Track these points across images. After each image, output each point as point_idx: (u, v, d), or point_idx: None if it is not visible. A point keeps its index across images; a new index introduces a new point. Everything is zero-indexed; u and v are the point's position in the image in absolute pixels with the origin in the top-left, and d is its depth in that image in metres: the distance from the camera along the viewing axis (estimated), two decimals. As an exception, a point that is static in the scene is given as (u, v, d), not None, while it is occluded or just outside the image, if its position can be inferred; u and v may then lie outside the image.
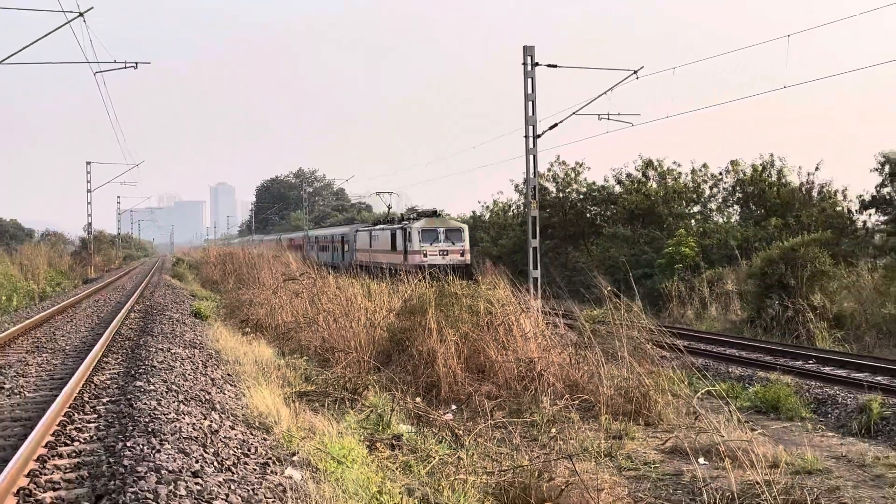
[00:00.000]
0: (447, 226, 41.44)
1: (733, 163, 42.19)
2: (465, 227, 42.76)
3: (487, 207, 58.74)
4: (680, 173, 45.17)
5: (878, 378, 16.84)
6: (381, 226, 48.35)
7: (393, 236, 43.79)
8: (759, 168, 40.66)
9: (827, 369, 18.38)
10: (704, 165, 44.59)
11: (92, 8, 24.23)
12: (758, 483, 8.50)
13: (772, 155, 40.77)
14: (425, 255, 39.37)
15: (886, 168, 33.92)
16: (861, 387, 15.89)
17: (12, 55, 24.91)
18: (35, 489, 7.16)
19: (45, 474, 7.64)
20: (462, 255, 40.45)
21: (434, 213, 43.24)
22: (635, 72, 25.67)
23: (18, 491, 7.05)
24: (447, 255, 39.77)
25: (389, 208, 54.06)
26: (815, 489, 9.18)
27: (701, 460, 11.32)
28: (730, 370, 18.77)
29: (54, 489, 7.22)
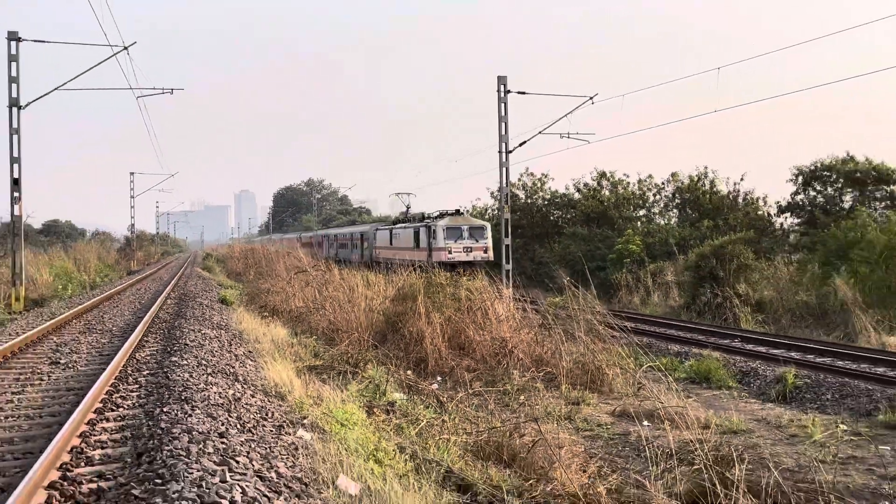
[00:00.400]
0: (470, 223, 36.61)
1: (673, 174, 42.38)
2: (488, 224, 37.53)
3: (467, 211, 58.73)
4: (629, 183, 45.38)
5: (792, 354, 16.94)
6: (403, 224, 43.24)
7: (416, 234, 38.86)
8: (695, 178, 40.85)
9: (750, 346, 18.46)
10: (650, 176, 44.80)
11: (135, 42, 24.15)
12: (692, 441, 8.54)
13: (706, 167, 41.07)
14: (450, 252, 34.77)
15: (799, 179, 34.24)
16: (778, 361, 15.97)
17: (68, 82, 24.76)
18: (86, 447, 7.14)
19: (95, 435, 7.61)
20: (485, 251, 35.73)
21: (457, 212, 38.40)
22: (591, 98, 25.77)
23: (71, 449, 7.03)
24: (471, 251, 35.15)
25: (408, 208, 47.89)
26: (740, 446, 9.23)
27: (645, 423, 11.38)
28: (669, 347, 18.84)
29: (102, 447, 7.20)
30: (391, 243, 43.45)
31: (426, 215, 40.52)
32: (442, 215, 37.83)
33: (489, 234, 36.51)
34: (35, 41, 24.38)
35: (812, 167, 33.84)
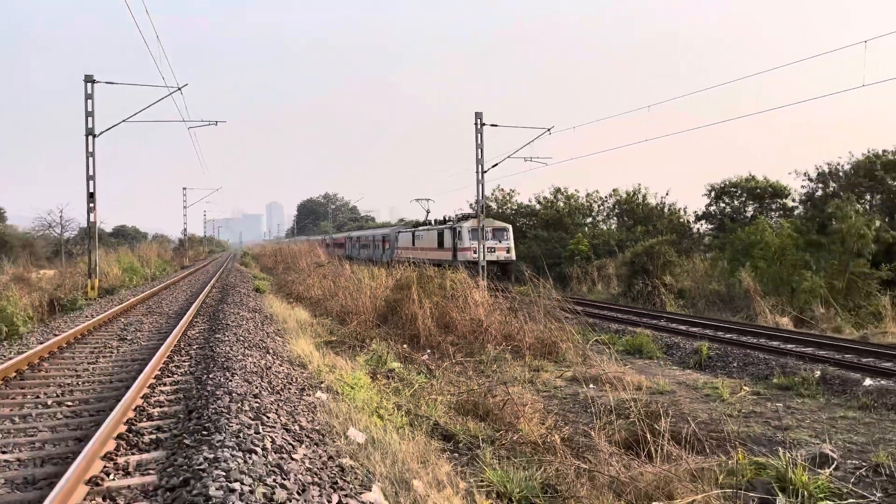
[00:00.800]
0: (494, 225, 31.18)
1: (614, 190, 42.55)
2: (510, 226, 32.14)
3: (456, 216, 58.29)
4: (579, 196, 45.41)
5: (706, 331, 17.02)
6: (426, 226, 37.53)
7: (440, 235, 33.73)
8: (631, 193, 41.02)
9: (673, 325, 18.55)
10: (596, 191, 44.91)
11: (187, 84, 24.01)
12: (628, 400, 8.58)
13: (639, 184, 41.39)
14: (475, 252, 29.44)
15: (712, 193, 34.44)
16: (695, 336, 16.07)
17: (133, 115, 24.53)
18: (147, 406, 7.10)
19: (154, 396, 7.57)
20: (508, 251, 30.55)
21: None
22: (549, 129, 25.84)
23: (136, 408, 6.99)
24: (494, 251, 30.03)
25: (428, 212, 41.31)
26: (665, 403, 9.28)
27: (591, 385, 11.42)
28: (610, 326, 18.89)
29: (160, 406, 7.16)
30: (413, 244, 38.03)
31: (448, 218, 35.78)
32: (465, 217, 33.03)
33: (511, 235, 31.50)
34: (107, 83, 24.11)
35: (722, 184, 34.08)
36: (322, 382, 9.20)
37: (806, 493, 6.14)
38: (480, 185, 26.87)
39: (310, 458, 5.55)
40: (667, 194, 39.83)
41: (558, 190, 46.34)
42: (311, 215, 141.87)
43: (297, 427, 6.46)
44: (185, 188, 63.05)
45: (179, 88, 23.71)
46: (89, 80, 23.43)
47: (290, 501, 4.45)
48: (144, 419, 6.63)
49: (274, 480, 4.73)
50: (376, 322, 16.07)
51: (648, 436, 7.13)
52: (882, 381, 11.06)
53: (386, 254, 43.84)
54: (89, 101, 23.40)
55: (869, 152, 28.22)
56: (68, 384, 8.41)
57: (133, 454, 5.60)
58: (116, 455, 5.53)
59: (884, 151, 27.79)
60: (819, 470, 6.73)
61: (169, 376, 8.71)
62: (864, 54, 14.04)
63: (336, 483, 5.09)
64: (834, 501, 6.13)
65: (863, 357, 13.24)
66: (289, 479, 4.82)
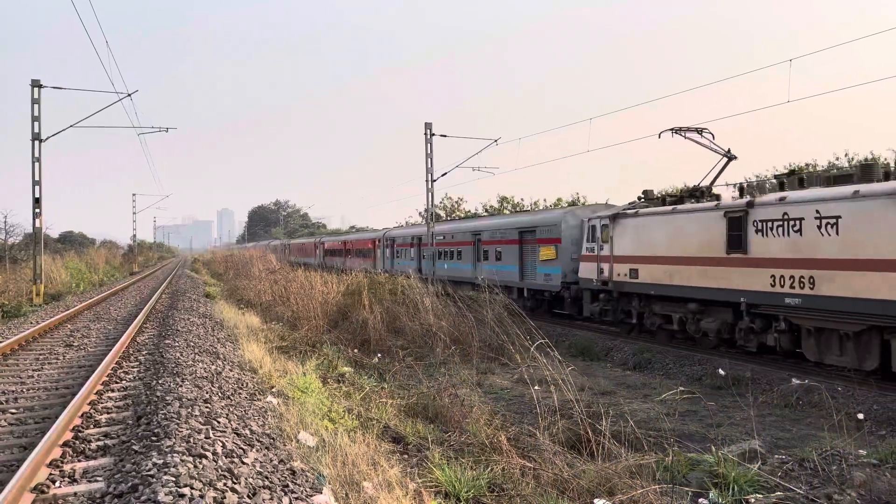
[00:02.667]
0: None
1: (559, 199, 43.23)
2: None
3: (402, 226, 58.22)
4: (524, 205, 46.00)
5: (644, 334, 17.36)
6: (683, 206, 14.71)
7: (741, 225, 12.55)
8: (571, 202, 41.73)
9: (615, 328, 18.84)
10: (544, 199, 45.59)
11: (137, 90, 23.45)
12: (571, 400, 8.69)
13: (577, 193, 42.23)
14: None
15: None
16: (635, 339, 16.36)
17: (80, 121, 23.78)
18: (94, 413, 6.88)
19: (102, 403, 7.34)
20: None
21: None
22: (495, 140, 26.08)
23: (82, 415, 6.76)
24: None
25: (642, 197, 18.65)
26: (606, 403, 9.44)
27: (536, 387, 11.52)
28: (555, 329, 19.08)
29: (108, 413, 6.95)
30: (607, 249, 17.18)
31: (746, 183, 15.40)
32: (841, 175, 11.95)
33: None
34: (54, 87, 23.35)
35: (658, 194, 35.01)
36: (273, 387, 9.06)
37: (737, 486, 6.33)
38: (430, 194, 26.96)
39: (261, 462, 5.46)
40: (606, 202, 40.57)
41: (504, 199, 46.87)
42: (262, 222, 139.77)
43: (247, 431, 6.34)
44: (134, 194, 61.64)
45: (129, 94, 23.15)
46: (35, 84, 22.63)
47: (241, 505, 4.37)
48: (92, 426, 6.42)
49: (224, 485, 4.64)
50: (327, 327, 15.92)
51: (591, 435, 7.25)
52: (806, 381, 11.48)
53: (527, 269, 21.54)
54: (35, 106, 22.60)
55: (792, 166, 29.38)
56: (12, 391, 8.09)
57: (80, 461, 5.41)
58: (63, 462, 5.34)
59: (806, 164, 28.97)
60: (749, 464, 6.94)
61: (117, 382, 8.46)
62: (790, 72, 14.61)
63: (287, 486, 5.01)
64: (763, 494, 6.33)
65: (789, 357, 13.72)
66: (239, 483, 4.74)
